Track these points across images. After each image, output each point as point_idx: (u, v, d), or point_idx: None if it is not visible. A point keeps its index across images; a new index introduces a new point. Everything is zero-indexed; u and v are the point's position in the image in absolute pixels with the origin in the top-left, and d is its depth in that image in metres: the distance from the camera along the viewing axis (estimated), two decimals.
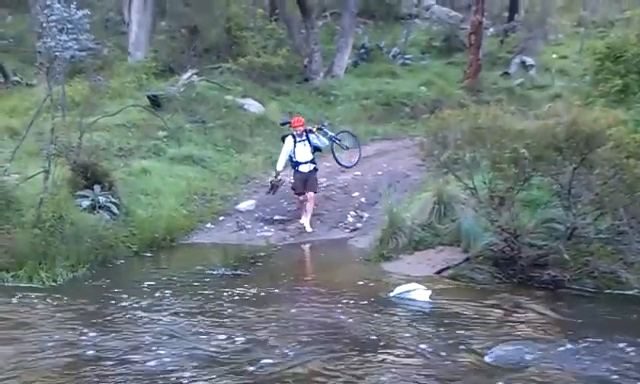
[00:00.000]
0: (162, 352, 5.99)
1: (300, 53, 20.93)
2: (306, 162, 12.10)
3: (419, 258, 9.50)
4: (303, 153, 12.10)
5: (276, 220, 12.04)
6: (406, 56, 24.04)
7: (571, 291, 8.26)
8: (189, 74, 17.13)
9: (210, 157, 14.27)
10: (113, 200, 10.37)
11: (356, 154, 14.25)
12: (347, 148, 14.03)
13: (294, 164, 12.13)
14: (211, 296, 7.92)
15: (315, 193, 12.08)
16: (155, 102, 15.67)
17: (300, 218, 11.81)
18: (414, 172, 12.80)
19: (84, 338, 6.35)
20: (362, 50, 23.65)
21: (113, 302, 7.56)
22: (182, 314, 7.17)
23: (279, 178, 12.27)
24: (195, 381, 5.38)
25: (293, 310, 7.52)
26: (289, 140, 12.18)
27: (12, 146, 11.56)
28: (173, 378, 5.43)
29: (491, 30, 25.80)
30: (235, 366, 5.74)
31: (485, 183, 9.13)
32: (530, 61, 23.27)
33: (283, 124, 13.28)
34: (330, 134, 13.54)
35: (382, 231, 10.00)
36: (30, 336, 6.40)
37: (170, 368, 5.65)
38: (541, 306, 7.67)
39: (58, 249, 8.70)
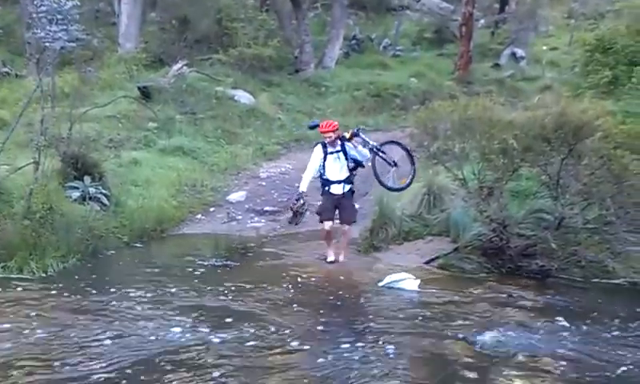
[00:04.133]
0: (146, 343, 6.01)
1: (291, 44, 20.93)
2: (340, 182, 9.08)
3: (408, 248, 9.56)
4: (335, 169, 9.06)
5: (266, 211, 12.06)
6: (397, 47, 24.09)
7: (559, 280, 8.39)
8: (179, 65, 17.07)
9: (201, 148, 14.29)
10: (103, 191, 10.35)
11: (409, 172, 9.68)
12: (395, 164, 9.50)
13: (322, 182, 9.19)
14: (201, 286, 7.91)
15: (352, 223, 9.29)
16: (145, 94, 15.64)
17: (328, 255, 9.21)
18: (405, 163, 12.77)
19: (72, 328, 6.35)
20: (353, 42, 23.69)
21: (102, 292, 7.55)
22: (168, 304, 7.17)
23: (302, 202, 9.07)
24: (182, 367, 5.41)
25: (280, 299, 7.51)
26: (317, 150, 9.14)
27: (1, 137, 11.51)
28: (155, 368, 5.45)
29: (482, 21, 25.84)
30: (221, 351, 5.77)
31: (474, 174, 9.19)
32: (520, 52, 23.36)
33: (312, 127, 9.91)
34: (370, 143, 9.33)
35: (372, 221, 10.06)
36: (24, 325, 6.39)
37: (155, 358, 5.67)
38: (529, 295, 7.77)
39: (48, 240, 8.66)
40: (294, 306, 7.27)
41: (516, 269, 8.63)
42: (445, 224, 9.55)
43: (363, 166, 9.27)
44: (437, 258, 9.07)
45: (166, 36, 20.01)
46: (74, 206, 9.65)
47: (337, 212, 9.14)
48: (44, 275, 8.24)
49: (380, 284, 8.03)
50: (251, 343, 6.00)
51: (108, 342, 5.94)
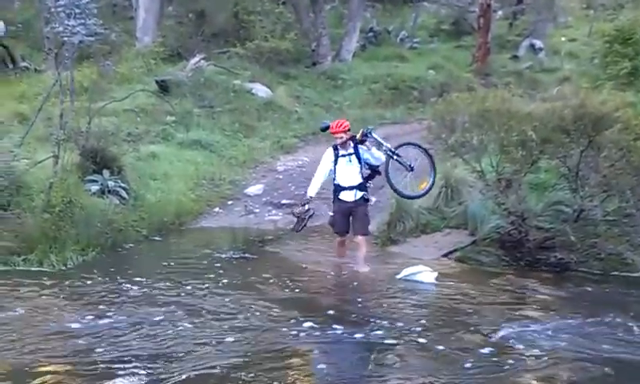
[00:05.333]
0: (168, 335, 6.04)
1: (308, 37, 20.89)
2: (351, 188, 8.42)
3: (426, 241, 9.54)
4: (347, 173, 8.41)
5: (284, 204, 12.07)
6: (415, 39, 23.97)
7: (578, 273, 8.33)
8: (197, 58, 17.14)
9: (218, 141, 14.36)
10: (122, 184, 10.42)
11: (429, 177, 8.98)
12: (411, 168, 8.71)
13: (334, 188, 8.56)
14: (220, 278, 7.93)
15: (366, 235, 8.62)
16: (163, 87, 15.72)
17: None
18: (422, 156, 12.76)
19: (93, 321, 6.39)
20: (370, 34, 23.62)
21: (122, 285, 7.60)
22: (189, 296, 7.22)
23: (307, 207, 8.53)
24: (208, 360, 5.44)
25: (298, 292, 7.55)
26: (328, 153, 8.54)
27: (21, 132, 11.63)
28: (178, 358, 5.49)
29: (500, 12, 25.64)
30: (241, 344, 5.76)
31: (492, 166, 9.15)
32: (538, 44, 23.16)
33: (323, 129, 8.89)
34: (385, 145, 8.56)
35: (390, 215, 10.04)
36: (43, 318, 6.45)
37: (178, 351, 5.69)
38: (547, 288, 7.73)
39: (67, 233, 8.74)
40: (359, 300, 7.31)
41: (534, 262, 8.58)
42: (463, 217, 9.52)
43: (380, 173, 8.60)
44: (454, 250, 9.05)
45: (183, 29, 20.11)
46: (93, 200, 9.72)
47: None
48: (64, 268, 8.33)
49: (398, 276, 8.03)
50: (391, 341, 5.92)
51: (230, 339, 5.84)
